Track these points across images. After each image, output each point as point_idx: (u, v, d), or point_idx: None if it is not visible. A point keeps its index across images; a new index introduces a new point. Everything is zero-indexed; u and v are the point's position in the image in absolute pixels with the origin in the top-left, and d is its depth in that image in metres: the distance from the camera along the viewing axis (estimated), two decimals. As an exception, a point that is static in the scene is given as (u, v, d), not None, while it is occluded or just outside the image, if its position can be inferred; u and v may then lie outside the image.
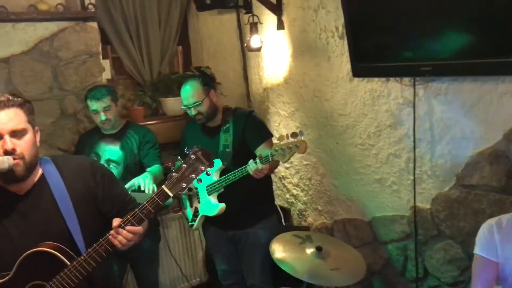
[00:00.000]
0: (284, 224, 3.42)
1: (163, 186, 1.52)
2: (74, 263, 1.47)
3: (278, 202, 3.60)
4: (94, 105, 2.56)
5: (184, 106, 2.56)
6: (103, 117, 2.56)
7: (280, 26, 3.22)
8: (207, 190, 2.54)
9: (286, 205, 3.58)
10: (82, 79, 2.94)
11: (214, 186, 2.51)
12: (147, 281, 2.83)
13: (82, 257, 1.48)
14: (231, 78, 3.92)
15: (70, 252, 1.50)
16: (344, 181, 3.05)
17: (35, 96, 2.77)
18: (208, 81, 2.60)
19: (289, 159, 2.32)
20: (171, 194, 1.51)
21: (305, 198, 3.39)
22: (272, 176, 3.64)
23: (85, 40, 2.93)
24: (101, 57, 3.04)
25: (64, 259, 1.46)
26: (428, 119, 2.47)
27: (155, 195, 1.51)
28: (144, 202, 1.51)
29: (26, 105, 1.53)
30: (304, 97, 3.21)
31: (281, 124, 3.46)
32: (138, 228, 1.51)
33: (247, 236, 2.63)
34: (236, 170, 2.41)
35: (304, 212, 3.43)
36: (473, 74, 2.18)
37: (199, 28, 4.14)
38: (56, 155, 1.68)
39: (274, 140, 2.39)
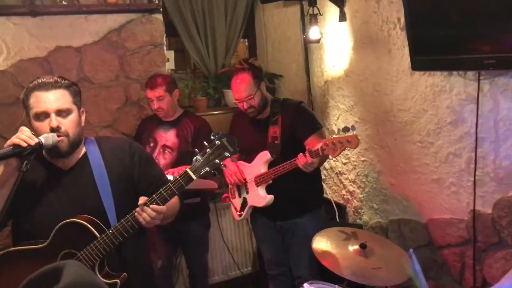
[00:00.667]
0: (338, 220, 3.36)
1: (187, 169, 1.57)
2: (103, 235, 1.56)
3: (334, 197, 3.54)
4: (149, 93, 2.69)
5: (236, 100, 2.56)
6: (155, 106, 2.68)
7: (342, 17, 3.15)
8: (255, 181, 2.56)
9: (341, 202, 3.50)
10: (146, 68, 3.09)
11: (262, 177, 2.53)
12: (196, 263, 2.94)
13: (110, 231, 1.57)
14: (294, 71, 3.91)
15: (102, 225, 1.59)
16: (401, 180, 2.91)
17: (103, 83, 2.98)
18: (258, 74, 2.58)
19: (339, 154, 2.27)
20: (194, 177, 1.55)
21: (361, 196, 3.30)
22: (329, 171, 3.60)
23: (150, 31, 3.08)
24: (165, 48, 3.18)
25: (95, 231, 1.56)
26: (492, 116, 2.28)
27: (179, 177, 1.57)
28: (169, 183, 1.57)
29: (72, 87, 1.65)
30: (364, 91, 3.11)
31: (340, 118, 3.39)
32: (162, 208, 1.57)
33: (295, 227, 2.62)
34: (285, 163, 2.40)
35: (359, 210, 3.33)
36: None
37: (265, 20, 4.17)
38: (100, 136, 1.79)
39: (326, 133, 2.35)
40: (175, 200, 1.68)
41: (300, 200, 2.59)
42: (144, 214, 1.55)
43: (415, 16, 2.38)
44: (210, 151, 1.56)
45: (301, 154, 2.31)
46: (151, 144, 2.75)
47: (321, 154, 2.25)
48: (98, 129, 3.04)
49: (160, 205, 1.56)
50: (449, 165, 2.55)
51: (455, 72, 2.42)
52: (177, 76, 3.67)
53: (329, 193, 3.59)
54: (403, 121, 2.81)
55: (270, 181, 2.53)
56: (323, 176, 3.64)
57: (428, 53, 2.39)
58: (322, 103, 3.57)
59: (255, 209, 2.65)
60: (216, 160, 1.55)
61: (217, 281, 3.39)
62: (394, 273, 2.10)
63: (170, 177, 2.46)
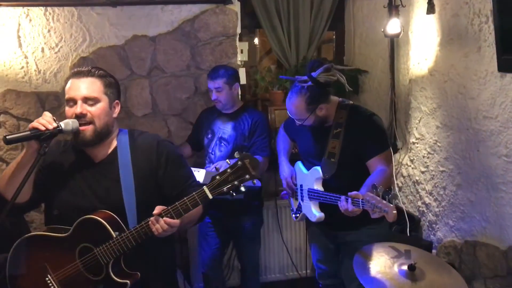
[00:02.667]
0: (408, 233, 3.05)
1: (204, 187, 1.53)
2: (118, 237, 1.58)
3: (409, 208, 3.23)
4: (209, 83, 2.69)
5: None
6: (213, 97, 2.67)
7: (431, 9, 2.81)
8: (308, 195, 2.41)
9: (416, 214, 3.17)
10: (217, 59, 3.11)
11: (314, 195, 2.36)
12: (247, 259, 2.91)
13: (125, 234, 1.58)
14: (379, 67, 3.64)
15: (121, 224, 1.61)
16: (482, 197, 2.53)
17: (175, 72, 3.06)
18: (318, 96, 2.24)
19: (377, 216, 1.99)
20: (210, 196, 1.52)
21: (437, 209, 2.95)
22: (406, 179, 3.29)
23: (223, 22, 3.08)
24: (237, 39, 3.15)
25: (111, 230, 1.58)
26: None
27: (195, 194, 1.53)
28: (185, 198, 1.54)
29: (107, 78, 1.68)
30: (448, 93, 2.76)
31: (422, 122, 3.06)
32: (175, 221, 1.54)
33: (350, 239, 2.41)
34: (328, 196, 2.20)
35: (434, 225, 2.99)
36: None
37: (354, 12, 3.95)
38: (134, 129, 1.80)
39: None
40: (195, 210, 1.63)
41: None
42: (157, 225, 1.54)
43: (505, 5, 2.02)
44: (230, 172, 1.51)
45: (343, 197, 2.07)
46: (209, 136, 2.76)
47: (360, 207, 2.00)
48: (167, 117, 3.14)
49: (174, 218, 1.54)
50: (538, 187, 2.14)
51: (553, 76, 2.02)
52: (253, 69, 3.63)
53: (405, 203, 3.28)
54: (489, 130, 2.43)
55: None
56: (399, 184, 3.35)
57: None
58: (405, 104, 3.26)
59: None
60: (235, 182, 1.50)
61: (273, 280, 3.32)
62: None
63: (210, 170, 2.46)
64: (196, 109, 3.11)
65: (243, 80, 3.35)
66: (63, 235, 1.64)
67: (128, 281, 1.57)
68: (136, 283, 1.62)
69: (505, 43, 2.07)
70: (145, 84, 3.07)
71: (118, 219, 1.61)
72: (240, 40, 3.25)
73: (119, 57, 2.96)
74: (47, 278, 1.63)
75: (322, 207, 2.37)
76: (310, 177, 2.39)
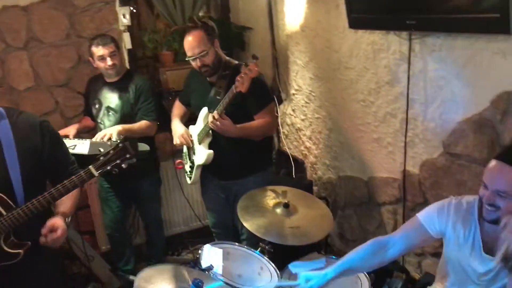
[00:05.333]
0: (293, 175, 3.43)
1: (91, 166, 1.70)
2: (9, 214, 1.65)
3: (294, 153, 3.58)
4: (100, 50, 2.67)
5: (189, 57, 2.50)
6: (109, 62, 2.67)
7: (297, -31, 3.04)
8: (198, 139, 2.61)
9: (300, 157, 3.55)
10: (98, 26, 3.09)
11: (201, 133, 2.56)
12: (149, 218, 3.08)
13: (16, 211, 1.66)
14: (261, 24, 3.83)
15: (9, 201, 1.68)
16: (348, 138, 2.93)
17: (54, 42, 3.00)
18: (212, 31, 2.52)
19: (248, 85, 2.26)
20: (96, 174, 1.70)
21: (316, 152, 3.34)
22: (291, 127, 3.62)
23: (99, -13, 3.04)
24: (117, 4, 3.14)
25: (1, 209, 1.66)
26: (422, 77, 2.24)
27: (82, 173, 1.70)
28: (73, 177, 1.69)
29: None
30: (317, 47, 3.06)
31: (298, 74, 3.36)
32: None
33: (238, 187, 2.60)
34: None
35: (315, 165, 3.39)
36: (458, 31, 1.92)
37: (236, -30, 4.04)
38: (10, 108, 1.82)
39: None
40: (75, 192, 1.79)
41: (246, 160, 2.58)
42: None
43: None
44: (112, 153, 1.70)
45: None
46: (97, 106, 2.79)
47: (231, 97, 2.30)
48: (52, 88, 3.11)
49: (63, 194, 1.70)
50: (387, 125, 2.55)
51: (392, 31, 2.36)
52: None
53: (290, 148, 3.63)
54: (349, 79, 2.79)
55: (211, 136, 2.53)
56: (286, 132, 3.68)
57: (361, 11, 2.33)
58: (285, 58, 3.53)
59: (203, 171, 2.68)
60: (118, 161, 1.70)
61: (178, 232, 3.55)
62: (311, 232, 2.18)
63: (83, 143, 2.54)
64: (83, 78, 3.08)
65: (128, 44, 3.38)
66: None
67: (20, 251, 1.68)
68: (29, 250, 1.72)
69: (352, 4, 2.36)
70: (23, 57, 2.98)
71: (6, 197, 1.68)
72: (125, 4, 3.22)
73: (-10, 31, 2.84)
74: None
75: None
76: (199, 121, 2.59)
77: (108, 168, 1.70)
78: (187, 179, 2.80)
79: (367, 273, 2.14)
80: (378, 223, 2.78)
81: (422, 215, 1.73)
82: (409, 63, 2.26)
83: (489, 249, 1.58)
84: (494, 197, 1.45)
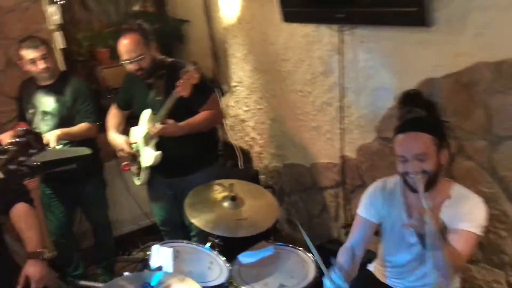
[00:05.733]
0: (241, 166, 3.49)
1: None
2: None
3: (240, 143, 3.64)
4: (30, 54, 2.56)
5: (124, 60, 2.42)
6: (41, 65, 2.56)
7: (230, -38, 3.06)
8: (143, 141, 2.58)
9: (246, 147, 3.61)
10: (26, 26, 2.96)
11: (147, 135, 2.55)
12: (96, 221, 3.03)
13: None
14: (199, 16, 3.81)
15: None
16: (289, 127, 3.03)
17: (-21, 46, 2.85)
18: (148, 34, 2.46)
19: (190, 91, 2.29)
20: (1, 176, 1.53)
21: (260, 142, 3.41)
22: (234, 118, 3.66)
23: (25, -14, 2.91)
24: (44, 2, 3.03)
25: None
26: (354, 67, 2.36)
27: None
28: None
29: None
30: (254, 40, 3.11)
31: (238, 67, 3.40)
32: None
33: (185, 184, 2.59)
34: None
35: (261, 155, 3.47)
36: (383, 23, 2.04)
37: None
38: None
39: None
40: None
41: (191, 156, 2.58)
42: None
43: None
44: (15, 150, 1.52)
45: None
46: (31, 110, 2.69)
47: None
48: (-19, 93, 2.96)
49: None
50: (324, 114, 2.66)
51: (323, 23, 2.45)
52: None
53: (236, 139, 3.68)
54: (287, 70, 2.87)
55: (157, 138, 2.52)
56: (230, 123, 3.72)
57: (293, 4, 2.40)
58: (223, 51, 3.55)
59: (152, 171, 2.64)
60: (21, 158, 1.52)
61: (127, 231, 3.53)
62: (259, 222, 2.25)
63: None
64: (14, 81, 2.94)
65: (61, 44, 3.27)
66: None
67: None
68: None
69: (284, -1, 2.43)
70: None
71: None
72: (53, 2, 3.10)
73: None
74: None
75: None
76: (143, 123, 2.55)
77: (12, 167, 1.50)
78: (135, 180, 2.78)
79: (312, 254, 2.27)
80: (322, 206, 2.91)
81: (360, 210, 1.88)
82: (341, 54, 2.37)
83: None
84: (418, 164, 1.59)
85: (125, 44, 2.41)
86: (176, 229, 2.81)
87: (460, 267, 1.72)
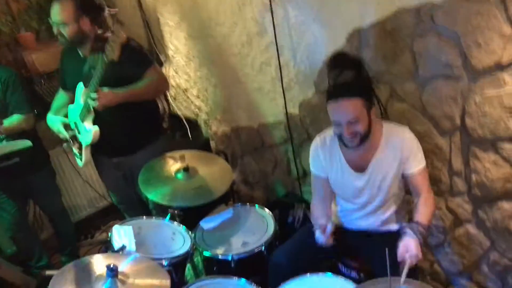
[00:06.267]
0: (190, 137, 3.51)
1: None
2: None
3: (187, 114, 3.64)
4: None
5: (51, 21, 2.34)
6: None
7: None
8: (80, 118, 2.49)
9: (193, 116, 3.62)
10: None
11: (83, 111, 2.44)
12: (51, 210, 2.99)
13: None
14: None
15: None
16: (233, 91, 3.06)
17: None
18: (86, 7, 2.34)
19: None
20: None
21: (206, 109, 3.43)
22: (177, 88, 3.64)
23: None
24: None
25: None
26: (286, 25, 2.40)
27: None
28: None
29: None
30: (185, 7, 3.06)
31: (173, 36, 3.34)
32: None
33: (131, 162, 2.56)
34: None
35: (207, 122, 3.49)
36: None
37: None
38: None
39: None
40: None
41: (134, 134, 2.52)
42: None
43: None
44: None
45: None
46: None
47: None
48: None
49: None
50: (263, 74, 2.71)
51: (251, -17, 2.46)
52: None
53: (181, 109, 3.68)
54: (222, 35, 2.86)
55: (93, 113, 2.41)
56: (173, 93, 3.69)
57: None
58: (155, 20, 3.47)
59: (94, 150, 2.58)
60: None
61: (86, 215, 3.50)
62: (214, 188, 2.31)
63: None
64: None
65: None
66: None
67: None
68: None
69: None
70: None
71: None
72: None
73: None
74: None
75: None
76: (77, 99, 2.47)
77: None
78: (78, 161, 2.68)
79: (270, 209, 2.39)
80: (274, 163, 3.01)
81: (311, 168, 2.02)
82: (271, 12, 2.39)
83: (358, 167, 1.89)
84: (350, 127, 1.72)
85: (53, 8, 2.31)
86: (134, 206, 2.81)
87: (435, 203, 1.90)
